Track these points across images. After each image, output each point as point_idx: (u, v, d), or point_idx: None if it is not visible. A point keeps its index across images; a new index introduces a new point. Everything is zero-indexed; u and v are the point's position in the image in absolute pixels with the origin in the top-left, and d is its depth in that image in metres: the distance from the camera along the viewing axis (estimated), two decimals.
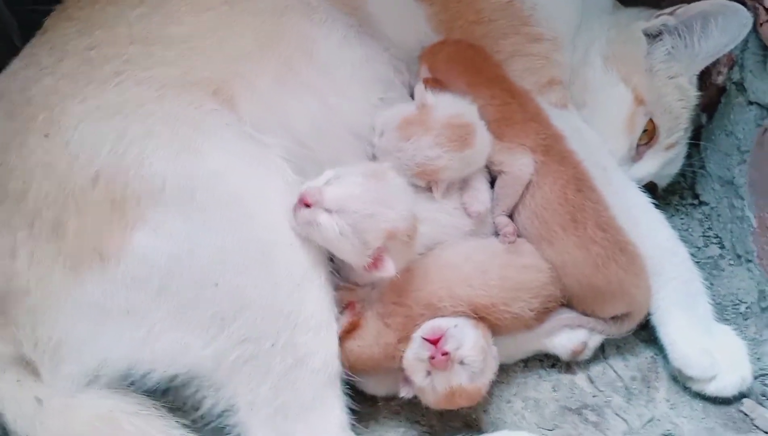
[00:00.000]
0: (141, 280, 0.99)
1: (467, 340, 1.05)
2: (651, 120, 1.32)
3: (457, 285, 1.11)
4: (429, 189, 1.16)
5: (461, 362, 1.04)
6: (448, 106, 1.16)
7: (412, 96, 1.24)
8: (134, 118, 1.03)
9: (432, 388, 1.05)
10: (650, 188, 1.36)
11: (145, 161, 1.01)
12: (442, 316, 1.09)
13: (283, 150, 1.10)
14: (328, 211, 1.00)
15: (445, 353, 1.03)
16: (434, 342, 1.04)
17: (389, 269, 1.02)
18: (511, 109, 1.22)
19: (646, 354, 1.26)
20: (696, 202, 1.52)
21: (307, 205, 1.00)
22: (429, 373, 1.05)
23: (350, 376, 1.08)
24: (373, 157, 1.19)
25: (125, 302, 1.00)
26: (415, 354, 1.06)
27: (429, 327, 1.07)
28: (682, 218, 1.49)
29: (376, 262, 1.03)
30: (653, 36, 1.32)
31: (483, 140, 1.16)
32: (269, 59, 1.14)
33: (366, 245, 1.01)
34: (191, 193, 1.01)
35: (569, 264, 1.15)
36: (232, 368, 1.01)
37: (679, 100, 1.33)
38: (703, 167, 1.48)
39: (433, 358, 1.03)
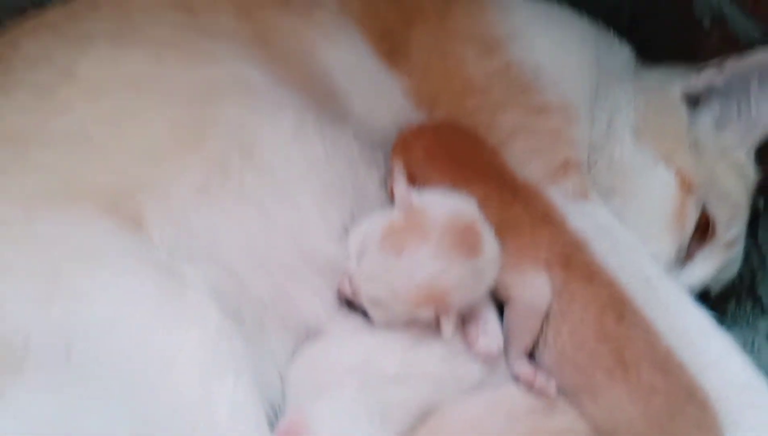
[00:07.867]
0: None
1: None
2: (704, 211, 1.09)
3: None
4: (434, 325, 0.88)
5: None
6: (442, 205, 0.91)
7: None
8: None
9: None
10: (701, 294, 1.11)
11: None
12: None
13: (209, 283, 0.85)
14: None
15: None
16: None
17: None
18: (514, 212, 0.97)
19: None
20: (759, 309, 1.27)
21: None
22: None
23: None
24: (346, 303, 0.92)
25: None
26: None
27: None
28: (743, 331, 1.23)
29: None
30: (694, 100, 1.11)
31: (491, 244, 0.90)
32: (191, 160, 0.90)
33: None
34: (66, 355, 0.77)
35: (622, 425, 0.87)
36: None
37: (737, 182, 1.11)
38: (764, 265, 1.24)
39: None
